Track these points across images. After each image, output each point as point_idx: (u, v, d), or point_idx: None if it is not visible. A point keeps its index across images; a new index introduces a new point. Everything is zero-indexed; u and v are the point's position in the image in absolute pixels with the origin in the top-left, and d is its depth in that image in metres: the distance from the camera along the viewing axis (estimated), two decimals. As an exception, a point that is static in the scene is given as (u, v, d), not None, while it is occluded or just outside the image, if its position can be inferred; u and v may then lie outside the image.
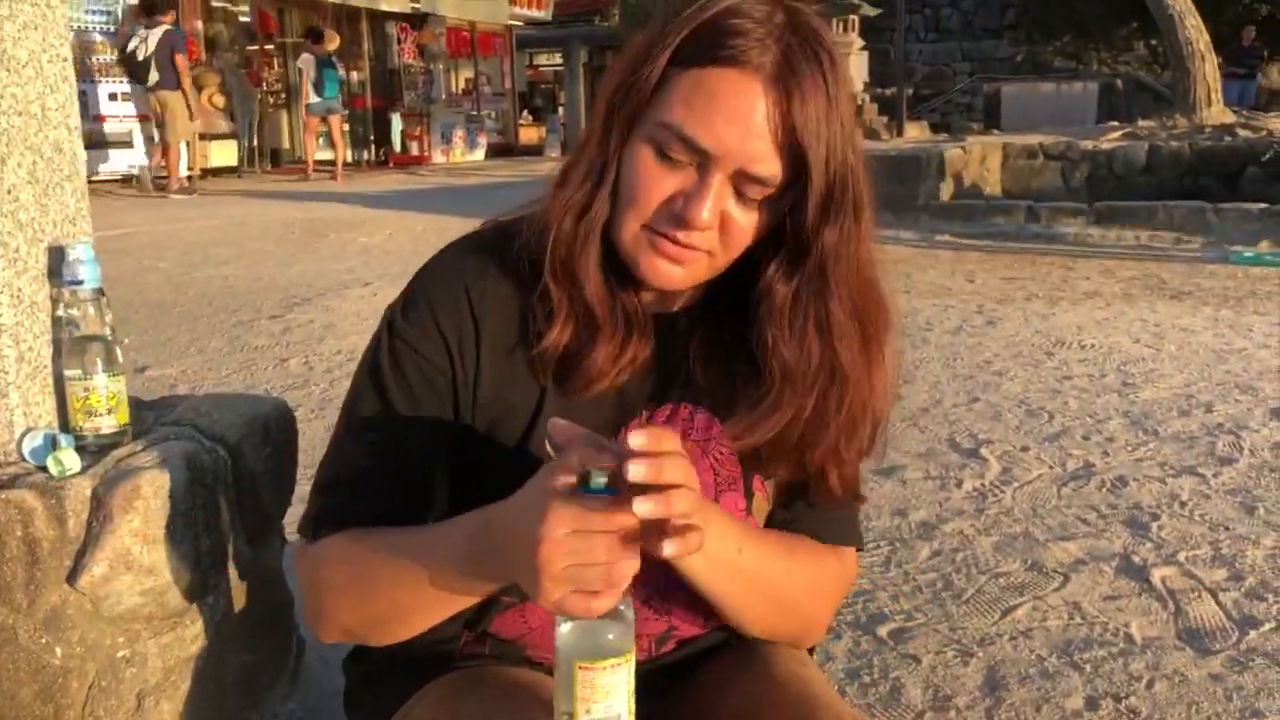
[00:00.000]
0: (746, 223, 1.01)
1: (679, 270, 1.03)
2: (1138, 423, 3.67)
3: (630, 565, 0.83)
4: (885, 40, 21.51)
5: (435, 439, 1.09)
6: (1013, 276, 6.73)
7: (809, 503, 1.14)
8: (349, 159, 17.27)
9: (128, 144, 12.59)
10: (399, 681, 1.16)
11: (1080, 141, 10.49)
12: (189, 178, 12.51)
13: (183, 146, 12.52)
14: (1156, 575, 2.47)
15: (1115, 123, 13.14)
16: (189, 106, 11.99)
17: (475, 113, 20.04)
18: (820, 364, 1.04)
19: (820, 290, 1.03)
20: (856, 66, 19.50)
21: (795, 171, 0.98)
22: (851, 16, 18.91)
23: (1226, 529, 2.73)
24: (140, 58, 11.61)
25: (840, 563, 1.17)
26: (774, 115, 0.96)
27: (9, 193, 1.45)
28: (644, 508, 0.81)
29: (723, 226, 1.01)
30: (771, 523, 1.15)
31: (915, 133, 16.52)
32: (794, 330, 1.04)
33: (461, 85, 20.75)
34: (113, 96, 12.53)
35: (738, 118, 0.96)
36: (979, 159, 10.30)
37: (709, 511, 0.96)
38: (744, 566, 1.04)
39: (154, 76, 11.65)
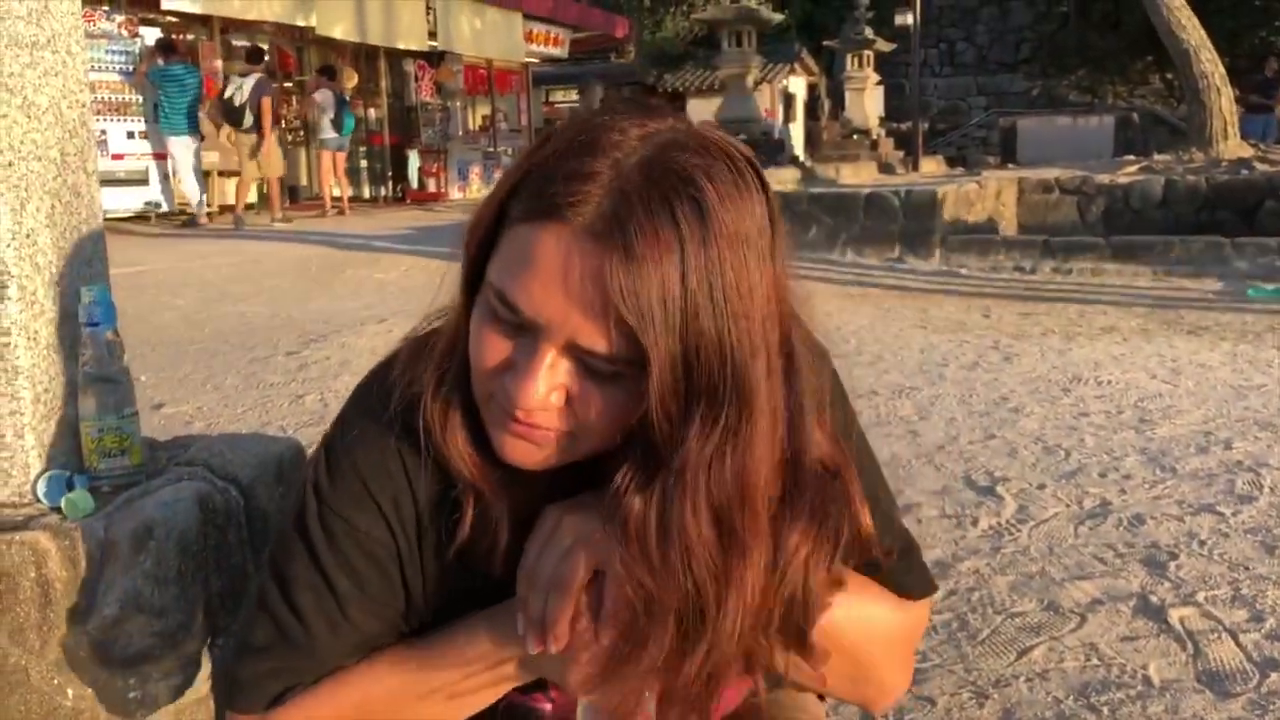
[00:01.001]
0: (604, 402, 0.82)
1: (535, 450, 0.86)
2: (1155, 460, 3.64)
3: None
4: (900, 75, 21.65)
5: (383, 612, 0.98)
6: (1029, 312, 6.71)
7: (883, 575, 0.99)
8: (365, 195, 17.47)
9: (144, 181, 12.75)
10: None
11: (1096, 176, 10.50)
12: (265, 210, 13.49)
13: (197, 182, 12.81)
14: (1175, 615, 2.44)
15: (1131, 156, 13.15)
16: (264, 148, 13.10)
17: (492, 149, 20.17)
18: (685, 587, 0.82)
19: (682, 502, 0.80)
20: (872, 101, 19.61)
21: (642, 351, 0.77)
22: (866, 51, 19.05)
23: (1246, 568, 2.70)
24: (236, 103, 12.74)
25: (906, 611, 1.02)
26: (599, 285, 0.76)
27: (27, 236, 1.47)
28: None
29: (570, 407, 0.83)
30: None
31: (931, 167, 16.56)
32: (650, 557, 0.81)
33: (478, 122, 20.91)
34: (130, 135, 12.71)
35: (555, 282, 0.78)
36: (994, 194, 10.32)
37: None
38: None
39: (249, 120, 12.79)
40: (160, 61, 12.41)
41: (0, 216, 1.43)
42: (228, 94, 12.92)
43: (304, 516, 0.97)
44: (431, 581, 0.97)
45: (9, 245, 1.44)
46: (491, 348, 0.84)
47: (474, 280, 0.87)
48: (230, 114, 12.96)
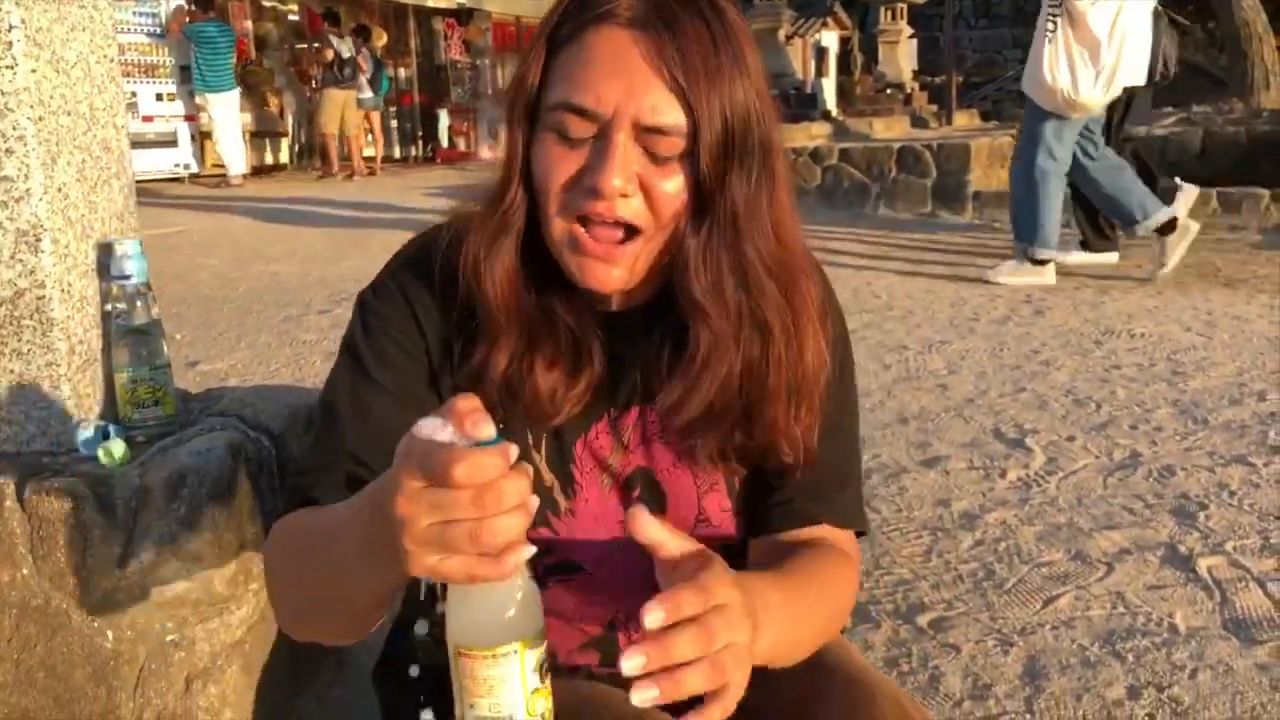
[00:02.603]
0: (671, 186, 0.96)
1: (614, 271, 0.98)
2: (1187, 412, 3.61)
3: (508, 526, 0.69)
4: (935, 27, 21.28)
5: (408, 402, 1.04)
6: (1061, 264, 6.64)
7: (806, 483, 1.08)
8: (396, 155, 17.51)
9: (173, 143, 12.82)
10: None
11: (1133, 128, 10.32)
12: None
13: (236, 142, 12.93)
14: (1203, 565, 2.44)
15: (1170, 108, 12.91)
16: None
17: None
18: (741, 317, 0.99)
19: (734, 241, 0.98)
20: (905, 54, 19.32)
21: (695, 119, 0.94)
22: (900, 4, 18.74)
23: (1277, 518, 2.69)
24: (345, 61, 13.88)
25: (851, 559, 1.12)
26: (653, 60, 0.92)
27: (59, 190, 1.50)
28: (643, 695, 0.75)
29: (646, 195, 0.96)
30: (766, 508, 1.11)
31: (965, 121, 16.32)
32: (712, 283, 0.98)
33: (507, 80, 20.85)
34: (159, 97, 12.75)
35: (617, 72, 0.93)
36: (1029, 147, 10.16)
37: (753, 627, 0.83)
38: (800, 636, 0.98)
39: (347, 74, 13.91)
40: (189, 20, 12.46)
41: (32, 170, 1.45)
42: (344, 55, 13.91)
43: (349, 328, 1.09)
44: None
45: (41, 199, 1.46)
46: (565, 162, 0.96)
47: (529, 118, 0.99)
48: (337, 74, 13.82)
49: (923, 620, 2.22)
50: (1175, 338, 4.68)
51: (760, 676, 1.04)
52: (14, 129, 1.44)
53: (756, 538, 1.11)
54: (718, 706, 0.78)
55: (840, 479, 1.13)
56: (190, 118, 12.89)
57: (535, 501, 0.71)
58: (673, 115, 0.93)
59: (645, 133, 0.94)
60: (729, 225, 0.98)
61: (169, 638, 1.48)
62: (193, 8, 12.76)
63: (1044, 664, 2.03)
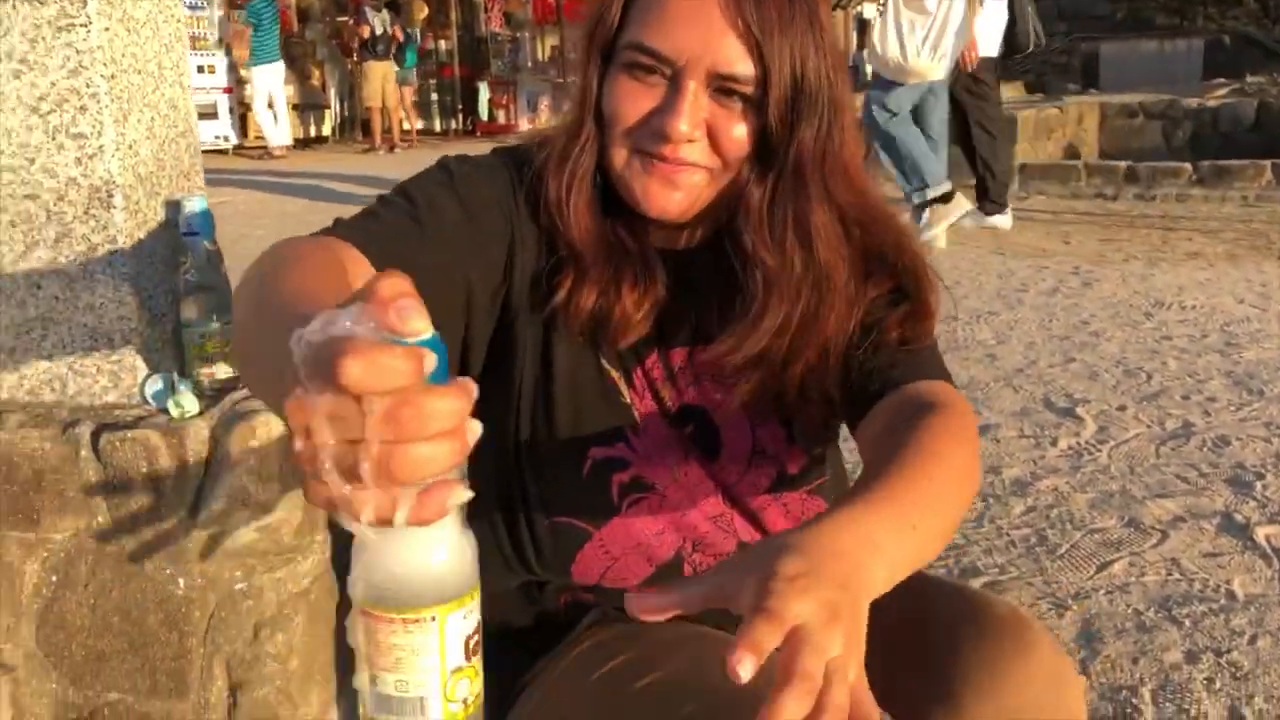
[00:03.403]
0: (738, 131, 0.98)
1: (676, 195, 1.00)
2: (1241, 383, 3.57)
3: (429, 456, 0.51)
4: None
5: (475, 255, 1.02)
6: (1110, 238, 6.57)
7: (898, 349, 1.03)
8: (436, 128, 17.57)
9: (213, 115, 12.92)
10: (507, 661, 1.10)
11: (1183, 100, 10.15)
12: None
13: (280, 114, 13.03)
14: (1261, 534, 2.42)
15: (1221, 80, 12.68)
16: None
17: (561, 80, 20.08)
18: (803, 270, 1.00)
19: (797, 192, 0.99)
20: (948, 27, 19.06)
21: (765, 69, 0.96)
22: (943, -25, 18.48)
23: (1335, 489, 2.66)
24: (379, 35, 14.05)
25: (956, 406, 0.97)
26: (730, 10, 0.94)
27: (130, 147, 1.52)
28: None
29: (712, 138, 0.98)
30: (856, 384, 1.04)
31: (1009, 93, 16.09)
32: (773, 235, 1.00)
33: (547, 53, 20.79)
34: (200, 69, 12.86)
35: (694, 20, 0.95)
36: (1076, 119, 10.04)
37: (851, 599, 0.69)
38: (931, 529, 0.83)
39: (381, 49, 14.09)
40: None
41: (105, 128, 1.48)
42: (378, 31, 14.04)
43: (441, 164, 1.07)
44: (527, 331, 1.06)
45: (114, 156, 1.49)
46: (636, 100, 0.98)
47: (604, 54, 1.01)
48: (372, 46, 14.00)
49: (976, 584, 2.22)
50: (1228, 309, 4.61)
51: None
52: (87, 86, 1.46)
53: (857, 424, 1.04)
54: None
55: (929, 349, 1.08)
56: (228, 89, 13.00)
57: (476, 431, 0.54)
58: (745, 65, 0.95)
59: (717, 79, 0.96)
60: (792, 177, 0.99)
61: (238, 586, 1.51)
62: None
63: (1099, 628, 2.03)
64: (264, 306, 0.76)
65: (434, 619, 0.56)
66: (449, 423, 0.52)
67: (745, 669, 0.61)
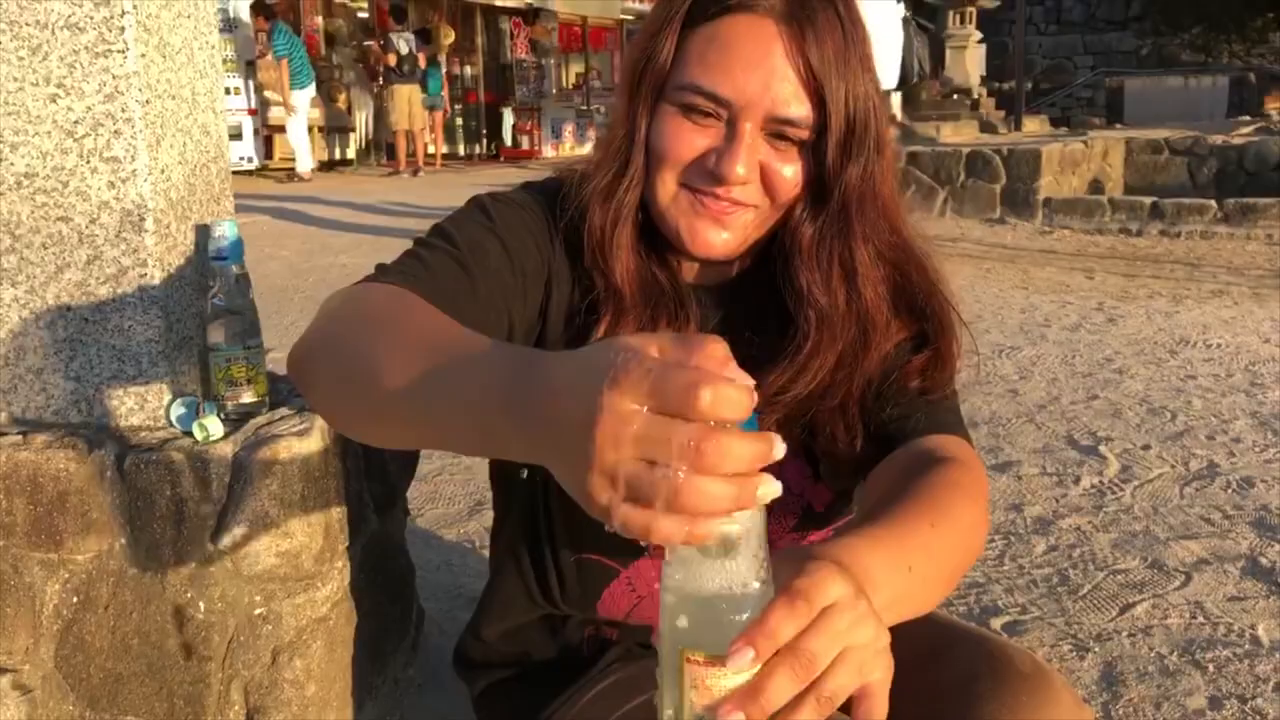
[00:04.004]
0: (790, 172, 0.99)
1: (724, 235, 1.00)
2: (1266, 424, 3.54)
3: (715, 494, 0.55)
4: (1004, 33, 21.03)
5: (505, 283, 1.02)
6: (1134, 274, 6.54)
7: (917, 397, 1.04)
8: (460, 152, 17.69)
9: (238, 136, 13.03)
10: (527, 695, 1.12)
11: (1208, 136, 10.12)
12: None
13: (306, 137, 13.14)
14: (1286, 578, 2.39)
15: (1247, 117, 12.63)
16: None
17: (585, 107, 20.19)
18: (847, 309, 1.01)
19: (844, 231, 1.00)
20: (973, 60, 19.10)
21: (821, 110, 0.96)
22: (969, 8, 18.51)
23: (1362, 534, 2.62)
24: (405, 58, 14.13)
25: (968, 463, 0.98)
26: (792, 54, 0.94)
27: (162, 172, 1.53)
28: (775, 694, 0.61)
29: (765, 179, 0.98)
30: (876, 433, 1.05)
31: (1033, 127, 16.09)
32: (821, 272, 1.01)
33: (572, 80, 20.92)
34: (226, 90, 12.98)
35: (756, 62, 0.94)
36: (1100, 154, 10.01)
37: (868, 610, 0.68)
38: (927, 575, 0.82)
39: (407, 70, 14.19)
40: (266, 24, 12.70)
41: (138, 152, 1.49)
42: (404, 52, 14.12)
43: (476, 202, 1.07)
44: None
45: (146, 180, 1.50)
46: (689, 141, 0.97)
47: (653, 94, 0.99)
48: (399, 68, 14.09)
49: (997, 623, 2.20)
50: (1253, 349, 4.58)
51: None
52: (123, 111, 1.47)
53: (868, 471, 1.06)
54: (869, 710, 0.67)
55: (949, 400, 1.09)
56: (252, 111, 13.12)
57: (775, 491, 0.58)
58: (802, 108, 0.96)
59: (774, 123, 0.96)
60: (841, 216, 1.00)
61: (257, 611, 1.51)
62: (260, 17, 12.96)
63: (1121, 670, 2.00)
64: (393, 348, 0.78)
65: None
66: (745, 466, 0.56)
67: (739, 660, 0.60)
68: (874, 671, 0.65)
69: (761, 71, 0.94)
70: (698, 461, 0.54)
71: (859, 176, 0.99)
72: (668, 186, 1.00)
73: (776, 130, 0.97)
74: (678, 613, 0.62)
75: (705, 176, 0.98)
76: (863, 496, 1.08)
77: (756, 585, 0.62)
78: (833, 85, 0.95)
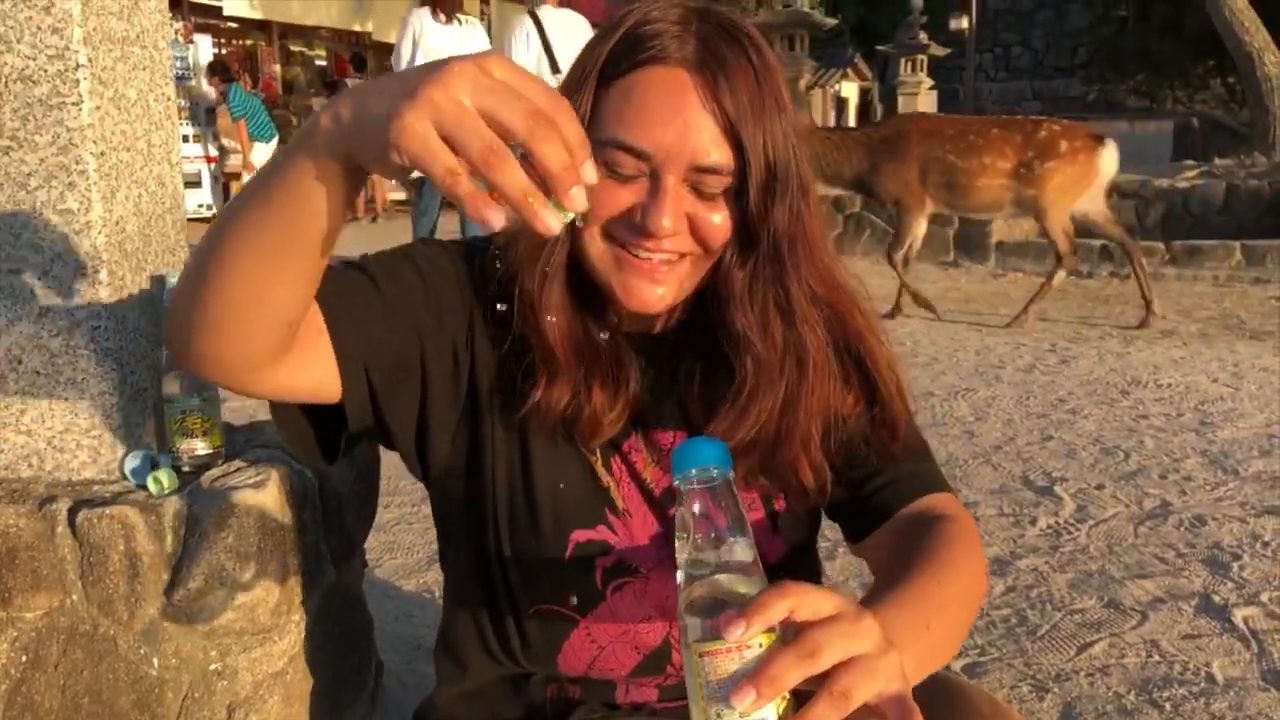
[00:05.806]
0: (719, 219, 0.98)
1: (659, 290, 1.00)
2: (1217, 462, 3.60)
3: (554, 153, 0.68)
4: (955, 80, 21.46)
5: (407, 320, 1.04)
6: (1086, 315, 6.65)
7: (892, 462, 1.08)
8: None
9: (196, 184, 12.97)
10: None
11: (1155, 180, 10.35)
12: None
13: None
14: (1238, 615, 2.42)
15: (1191, 161, 12.93)
16: None
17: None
18: (785, 348, 1.01)
19: (778, 274, 1.00)
20: (926, 106, 19.46)
21: (741, 156, 0.96)
22: (920, 56, 18.90)
23: (1311, 570, 2.67)
24: None
25: (960, 519, 1.05)
26: (707, 101, 0.94)
27: (117, 224, 1.53)
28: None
29: (694, 229, 0.98)
30: (862, 500, 1.09)
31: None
32: (757, 315, 1.00)
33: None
34: (185, 138, 12.95)
35: (672, 113, 0.94)
36: (1050, 197, 10.18)
37: (885, 647, 0.73)
38: (945, 629, 0.91)
39: None
40: (222, 85, 12.70)
41: (93, 204, 1.49)
42: None
43: (400, 249, 1.08)
44: (499, 427, 1.07)
45: (100, 232, 1.49)
46: (615, 196, 0.96)
47: None
48: None
49: (957, 665, 2.21)
50: (1202, 388, 4.66)
51: None
52: (77, 164, 1.47)
53: (862, 538, 1.10)
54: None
55: (922, 453, 1.13)
56: (210, 159, 13.09)
57: (589, 176, 0.70)
58: (723, 155, 0.95)
59: (696, 172, 0.96)
60: (773, 259, 1.00)
61: (212, 666, 1.49)
62: (217, 78, 12.95)
63: (1080, 710, 2.02)
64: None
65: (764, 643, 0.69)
66: (576, 138, 0.69)
67: (735, 628, 0.68)
68: (892, 681, 0.71)
69: (679, 122, 0.94)
70: (538, 120, 0.66)
71: (786, 219, 0.98)
72: (596, 244, 0.99)
73: (699, 180, 0.96)
74: (696, 602, 0.72)
75: (633, 231, 0.97)
76: (869, 565, 1.13)
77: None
78: (749, 131, 0.95)
